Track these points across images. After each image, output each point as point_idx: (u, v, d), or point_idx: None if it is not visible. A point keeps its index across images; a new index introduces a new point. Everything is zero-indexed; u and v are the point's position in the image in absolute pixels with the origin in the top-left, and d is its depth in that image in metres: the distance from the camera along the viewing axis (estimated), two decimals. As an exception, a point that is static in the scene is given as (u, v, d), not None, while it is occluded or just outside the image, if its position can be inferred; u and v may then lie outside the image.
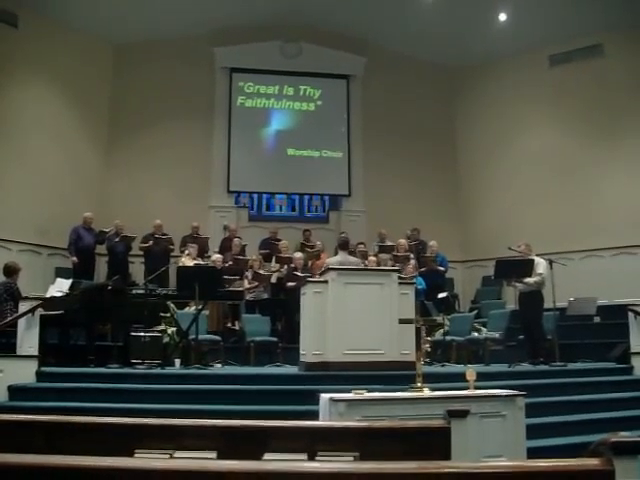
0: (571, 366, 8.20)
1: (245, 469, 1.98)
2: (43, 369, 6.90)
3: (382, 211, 12.86)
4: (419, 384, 4.82)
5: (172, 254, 11.44)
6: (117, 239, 11.16)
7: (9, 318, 7.43)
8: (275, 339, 9.13)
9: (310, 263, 10.86)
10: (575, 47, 12.54)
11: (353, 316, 6.77)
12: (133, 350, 7.79)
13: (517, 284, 8.45)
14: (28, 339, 7.00)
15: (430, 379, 5.31)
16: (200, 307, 8.04)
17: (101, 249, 11.54)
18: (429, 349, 8.87)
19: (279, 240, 11.59)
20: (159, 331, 8.34)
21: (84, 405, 5.97)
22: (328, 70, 13.81)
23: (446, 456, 2.96)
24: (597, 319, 10.33)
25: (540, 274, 8.30)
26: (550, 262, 8.49)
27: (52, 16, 11.81)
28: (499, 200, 13.27)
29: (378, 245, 11.62)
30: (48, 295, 8.13)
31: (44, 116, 11.83)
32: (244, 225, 13.13)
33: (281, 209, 13.92)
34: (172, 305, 8.91)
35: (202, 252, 11.07)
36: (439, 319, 8.86)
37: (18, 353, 6.96)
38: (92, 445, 2.77)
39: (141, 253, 11.62)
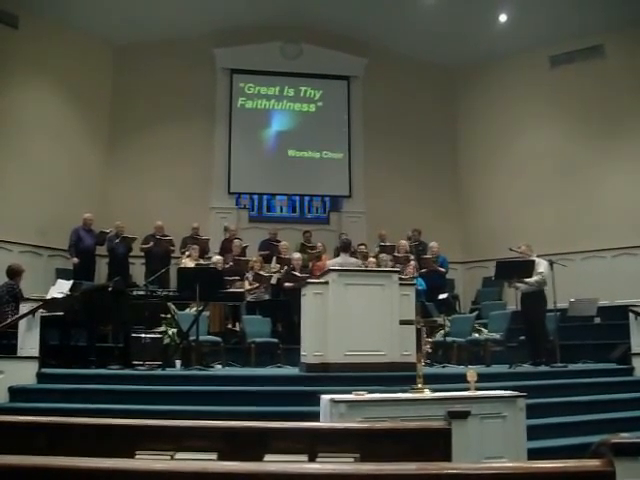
0: (572, 367, 8.19)
1: (246, 470, 1.98)
2: (44, 370, 6.91)
3: (383, 212, 12.86)
4: (420, 385, 4.81)
5: (173, 255, 11.44)
6: (117, 240, 11.16)
7: (10, 319, 7.43)
8: (276, 340, 9.12)
9: (311, 264, 10.87)
10: (576, 48, 12.54)
11: (354, 317, 6.77)
12: (134, 351, 7.80)
13: (518, 284, 8.45)
14: (29, 340, 7.00)
15: (431, 380, 5.30)
16: (201, 308, 8.04)
17: (101, 250, 11.54)
18: (430, 350, 8.95)
19: (279, 241, 11.60)
20: (160, 332, 8.35)
21: (85, 406, 5.97)
22: (329, 71, 13.82)
23: (447, 457, 2.96)
24: (598, 320, 10.31)
25: (540, 273, 8.30)
26: (551, 263, 8.48)
27: (52, 17, 11.82)
28: (500, 201, 13.27)
29: (379, 245, 11.63)
30: (49, 296, 8.11)
31: (45, 117, 11.84)
32: (245, 226, 13.13)
33: (282, 210, 13.93)
34: (173, 306, 8.90)
35: (203, 253, 11.08)
36: (440, 320, 8.85)
37: (19, 354, 6.96)
38: (93, 446, 2.78)
39: (142, 254, 11.63)
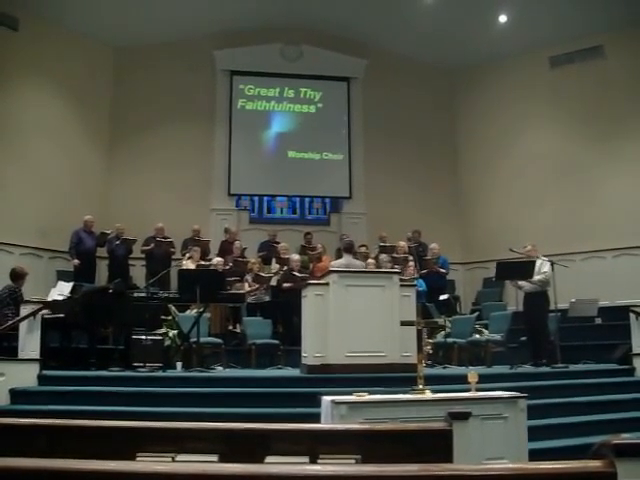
0: (573, 368, 8.18)
1: (247, 472, 1.98)
2: (45, 372, 6.91)
3: (383, 213, 12.87)
4: (421, 386, 4.81)
5: (173, 257, 11.44)
6: (118, 242, 11.17)
7: (10, 322, 7.43)
8: (276, 342, 9.11)
9: (311, 266, 10.87)
10: (576, 48, 12.53)
11: (354, 318, 6.77)
12: (134, 353, 7.79)
13: (522, 284, 8.46)
14: (30, 342, 7.00)
15: (432, 381, 5.31)
16: (201, 310, 8.04)
17: (102, 252, 11.54)
18: (430, 351, 8.95)
19: (278, 242, 11.61)
20: (160, 334, 8.34)
21: (86, 408, 5.96)
22: (329, 72, 13.81)
23: (448, 458, 2.96)
24: (599, 320, 10.31)
25: (545, 273, 8.31)
26: (552, 263, 8.48)
27: (53, 19, 11.83)
28: (500, 202, 13.27)
29: (379, 246, 11.63)
30: (50, 298, 8.12)
31: (45, 119, 11.84)
32: (245, 228, 13.14)
33: (282, 212, 13.93)
34: (173, 308, 8.91)
35: (203, 255, 11.07)
36: (440, 321, 8.84)
37: (20, 357, 6.97)
38: (94, 449, 2.77)
39: (142, 256, 11.63)
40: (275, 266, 10.96)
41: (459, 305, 11.86)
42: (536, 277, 8.30)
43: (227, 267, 10.28)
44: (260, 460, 2.65)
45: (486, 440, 4.35)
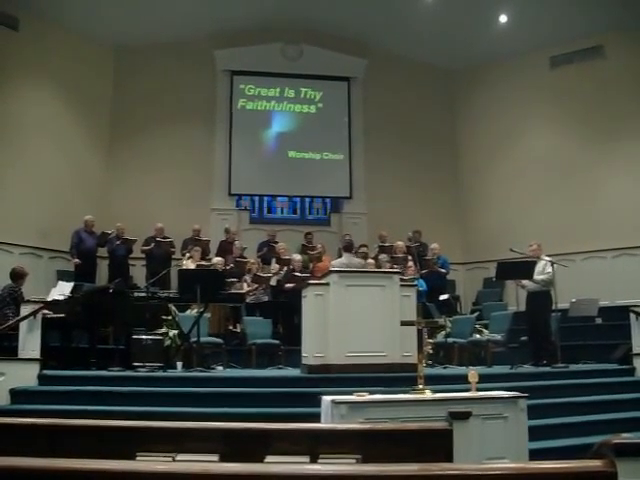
0: (573, 367, 8.18)
1: (247, 472, 1.98)
2: (45, 372, 6.92)
3: (383, 213, 12.87)
4: (421, 386, 4.81)
5: (173, 257, 11.45)
6: (118, 242, 11.18)
7: (11, 321, 7.43)
8: (277, 341, 9.12)
9: (312, 265, 10.88)
10: (576, 48, 12.53)
11: (355, 318, 6.76)
12: (135, 353, 7.79)
13: (525, 283, 8.46)
14: (30, 342, 7.01)
15: (432, 381, 5.31)
16: (202, 310, 8.04)
17: (102, 252, 11.55)
18: (431, 351, 8.95)
19: (277, 242, 11.61)
20: (161, 334, 8.34)
21: (86, 408, 5.96)
22: (329, 72, 13.81)
23: (448, 458, 2.96)
24: (599, 320, 10.30)
25: (548, 273, 8.31)
26: (552, 263, 8.48)
27: (53, 19, 11.83)
28: (500, 202, 13.26)
29: (379, 246, 11.64)
30: (50, 298, 8.13)
31: (45, 119, 11.84)
32: (245, 228, 13.14)
33: (282, 212, 13.93)
34: (173, 308, 8.90)
35: (203, 255, 11.08)
36: (441, 321, 8.85)
37: (20, 356, 6.97)
38: (94, 448, 2.77)
39: (142, 256, 11.63)
40: (275, 266, 10.97)
41: (459, 305, 11.86)
42: (539, 277, 8.30)
43: (228, 267, 10.29)
44: (260, 460, 2.65)
45: (486, 440, 4.35)
